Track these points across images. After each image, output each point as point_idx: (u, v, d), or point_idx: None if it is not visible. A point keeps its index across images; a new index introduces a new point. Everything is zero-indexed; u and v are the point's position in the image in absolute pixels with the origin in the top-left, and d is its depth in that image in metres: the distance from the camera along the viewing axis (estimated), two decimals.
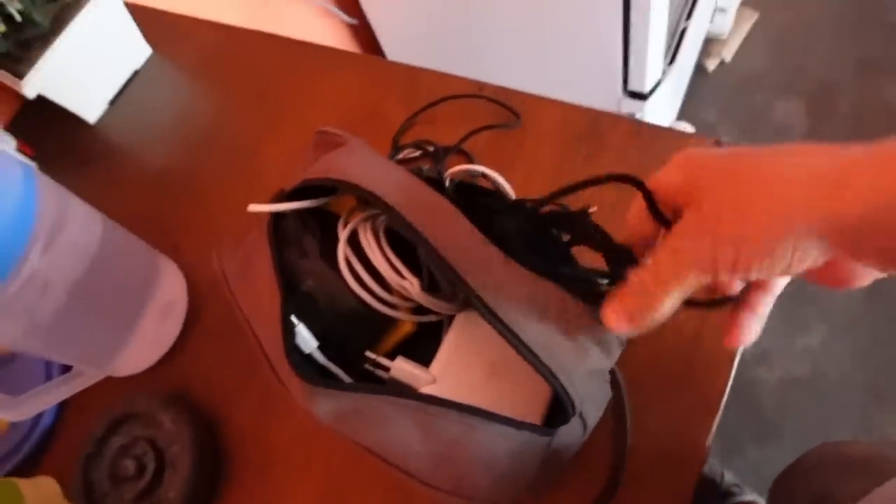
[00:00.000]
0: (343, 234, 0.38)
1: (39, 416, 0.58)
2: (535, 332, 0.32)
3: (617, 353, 0.34)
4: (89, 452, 0.52)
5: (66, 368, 0.58)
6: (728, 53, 1.59)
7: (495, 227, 0.35)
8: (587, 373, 0.33)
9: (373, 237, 0.38)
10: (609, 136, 0.56)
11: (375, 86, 0.65)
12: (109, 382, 0.57)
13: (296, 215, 0.40)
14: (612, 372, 0.38)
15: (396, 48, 1.33)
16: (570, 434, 0.38)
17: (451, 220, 0.34)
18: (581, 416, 0.36)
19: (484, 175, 0.54)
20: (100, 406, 0.56)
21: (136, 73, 0.75)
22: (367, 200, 0.34)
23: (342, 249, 0.38)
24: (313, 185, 0.38)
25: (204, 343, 0.58)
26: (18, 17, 0.65)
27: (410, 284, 0.37)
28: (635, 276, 0.30)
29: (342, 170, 0.36)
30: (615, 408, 0.41)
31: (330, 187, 0.37)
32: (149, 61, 0.76)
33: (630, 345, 0.45)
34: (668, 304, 0.30)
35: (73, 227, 0.48)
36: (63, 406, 0.59)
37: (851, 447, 0.62)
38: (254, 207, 0.40)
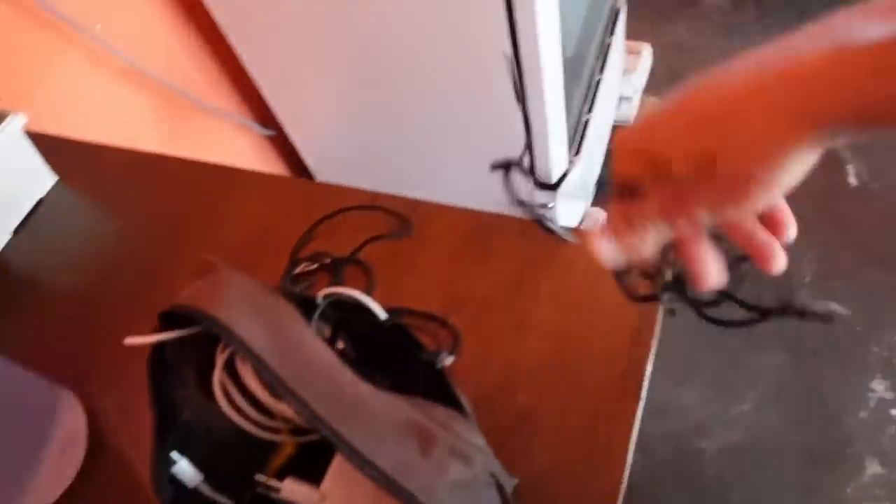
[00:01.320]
0: (219, 361, 0.39)
1: None
2: (391, 458, 0.33)
3: (479, 460, 0.35)
4: None
5: None
6: None
7: (359, 344, 0.36)
8: (450, 486, 0.34)
9: (245, 362, 0.38)
10: (496, 238, 0.59)
11: (278, 203, 0.67)
12: None
13: (174, 343, 0.41)
14: (495, 477, 0.39)
15: (316, 154, 1.37)
16: None
17: (309, 351, 0.35)
18: None
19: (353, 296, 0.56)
20: None
21: (40, 202, 0.76)
22: (223, 333, 0.35)
23: (217, 376, 0.39)
24: (185, 314, 0.38)
25: (108, 474, 0.56)
26: None
27: (287, 406, 0.38)
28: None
29: (207, 302, 0.37)
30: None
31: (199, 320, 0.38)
32: (53, 189, 0.77)
33: (527, 444, 0.46)
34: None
35: None
36: None
37: None
38: (130, 340, 0.40)
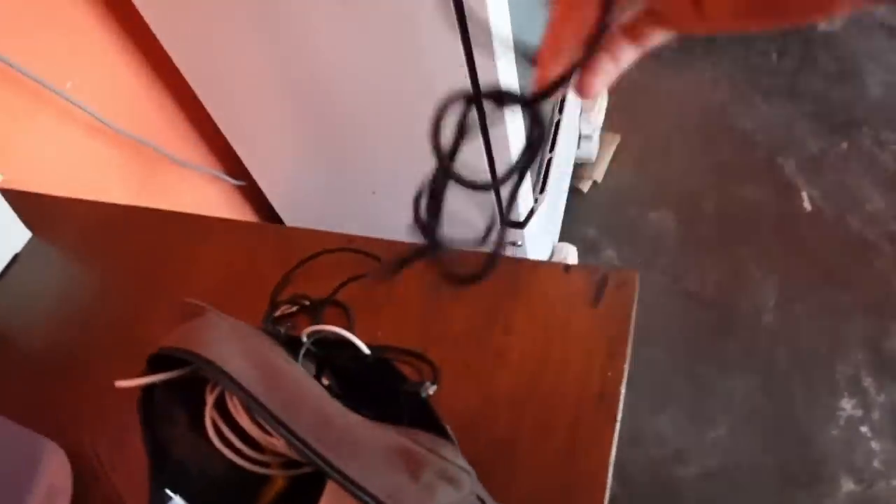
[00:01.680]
0: (210, 399, 0.40)
1: None
2: (381, 483, 0.34)
3: (466, 482, 0.37)
4: None
5: None
6: (599, 175, 1.73)
7: (343, 380, 0.38)
8: None
9: (238, 401, 0.40)
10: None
11: (252, 248, 0.69)
12: None
13: (163, 385, 0.42)
14: (481, 499, 0.41)
15: (285, 203, 1.38)
16: None
17: (297, 386, 0.37)
18: None
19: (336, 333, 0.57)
20: None
21: (15, 257, 0.76)
22: (213, 372, 0.36)
23: (209, 414, 0.40)
24: (174, 355, 0.40)
25: None
26: None
27: (277, 440, 0.39)
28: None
29: (195, 342, 0.38)
30: None
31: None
32: (28, 244, 0.77)
33: (507, 472, 0.48)
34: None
35: None
36: None
37: None
38: (121, 383, 0.41)
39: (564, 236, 1.61)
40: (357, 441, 0.36)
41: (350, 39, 0.98)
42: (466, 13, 0.84)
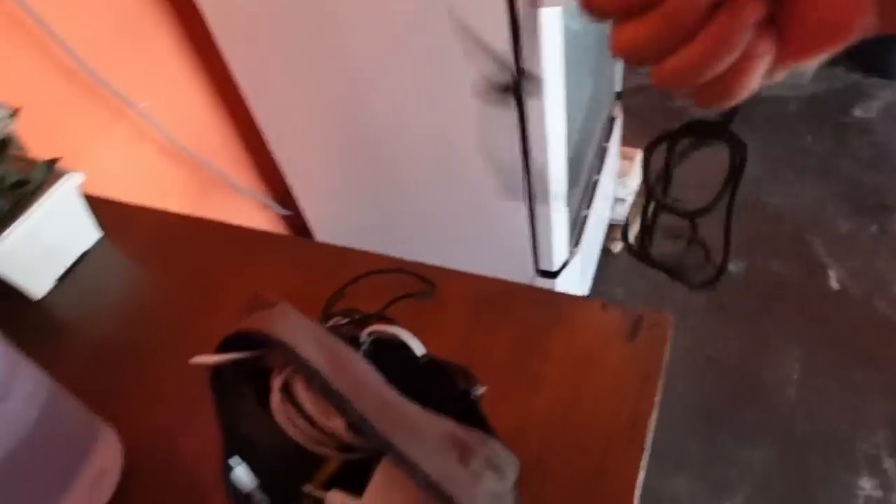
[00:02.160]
0: (277, 382, 0.44)
1: None
2: (435, 464, 0.37)
3: (511, 475, 0.40)
4: None
5: None
6: (630, 237, 1.77)
7: (394, 380, 0.42)
8: (485, 496, 0.38)
9: (303, 384, 0.43)
10: (514, 303, 0.65)
11: (306, 265, 0.73)
12: None
13: (232, 366, 0.46)
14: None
15: (328, 238, 1.44)
16: None
17: (361, 372, 0.41)
18: None
19: (394, 333, 0.61)
20: None
21: (85, 254, 0.82)
22: (285, 353, 0.40)
23: (276, 395, 0.43)
24: (248, 338, 0.44)
25: None
26: None
27: (337, 425, 0.42)
28: None
29: (270, 326, 0.42)
30: None
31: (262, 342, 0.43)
32: (98, 243, 0.83)
33: (538, 489, 0.51)
34: None
35: (18, 394, 0.51)
36: None
37: None
38: (196, 360, 0.45)
39: (593, 294, 1.64)
40: (414, 425, 0.39)
41: (407, 89, 1.05)
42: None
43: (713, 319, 1.62)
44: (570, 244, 1.29)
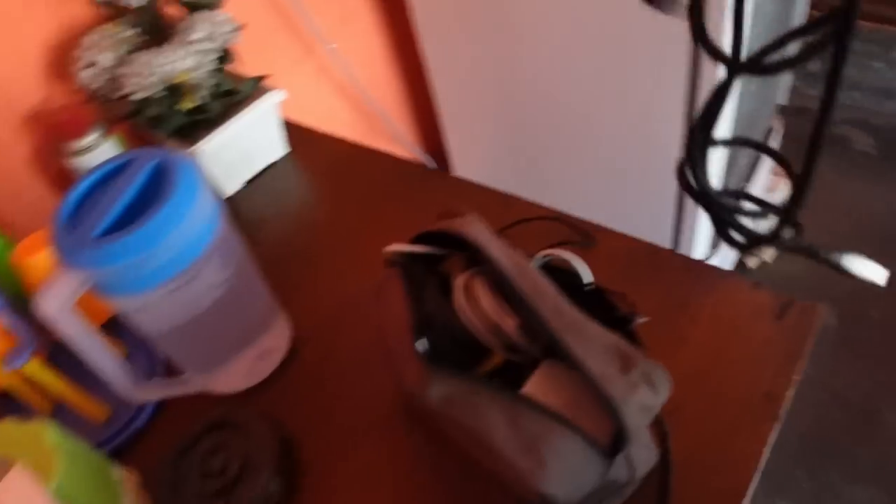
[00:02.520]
0: (460, 280, 0.49)
1: (137, 413, 0.67)
2: (598, 366, 0.41)
3: (664, 392, 0.43)
4: (183, 446, 0.60)
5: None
6: (769, 255, 1.72)
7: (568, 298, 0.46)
8: (637, 406, 0.42)
9: (482, 283, 0.48)
10: (667, 267, 0.67)
11: (469, 203, 0.78)
12: (199, 401, 0.66)
13: (421, 261, 0.52)
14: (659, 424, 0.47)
15: None
16: (619, 473, 0.46)
17: (539, 280, 0.45)
18: (629, 459, 0.45)
19: (567, 259, 0.64)
20: (188, 418, 0.64)
21: (272, 165, 0.91)
22: (476, 255, 0.46)
23: (459, 292, 0.49)
24: (438, 237, 0.49)
25: (294, 382, 0.67)
26: (198, 103, 0.82)
27: (509, 325, 0.47)
28: None
29: (464, 228, 0.48)
30: (661, 461, 0.48)
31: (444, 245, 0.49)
32: (284, 158, 0.92)
33: (673, 434, 0.54)
34: None
35: (232, 255, 0.60)
36: (157, 410, 0.68)
37: None
38: (392, 247, 0.51)
39: None
40: (582, 331, 0.43)
41: (579, 63, 1.08)
42: None
43: (844, 354, 1.56)
44: (711, 244, 1.28)
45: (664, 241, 1.21)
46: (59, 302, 0.51)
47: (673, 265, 0.67)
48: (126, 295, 0.53)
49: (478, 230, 0.49)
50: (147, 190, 0.54)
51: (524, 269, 0.47)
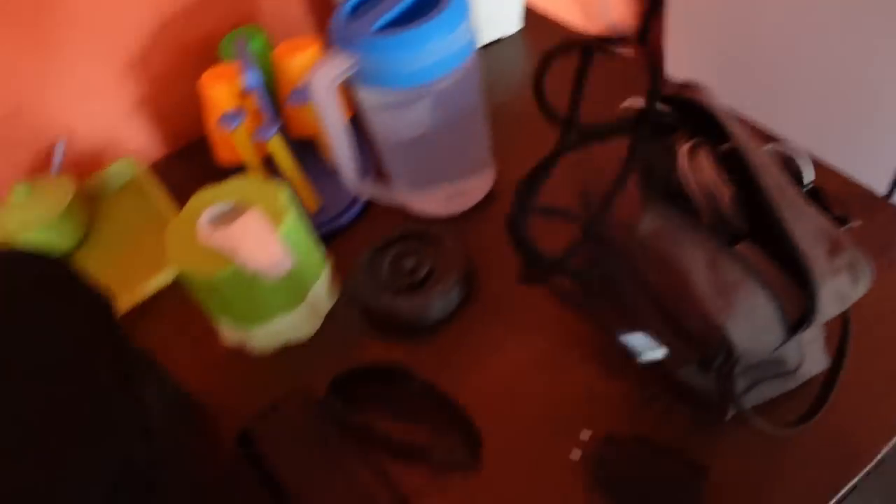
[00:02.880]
0: (686, 147, 0.51)
1: (344, 210, 0.76)
2: (807, 242, 0.43)
3: (863, 286, 0.44)
4: (381, 244, 0.68)
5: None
6: None
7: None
8: (834, 291, 0.43)
9: (706, 153, 0.51)
10: (874, 209, 0.66)
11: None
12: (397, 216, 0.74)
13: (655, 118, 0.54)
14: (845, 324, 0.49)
15: None
16: (790, 354, 0.48)
17: (765, 158, 0.47)
18: (802, 348, 0.46)
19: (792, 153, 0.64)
20: (384, 229, 0.71)
21: (501, 39, 0.96)
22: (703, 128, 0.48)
23: (683, 156, 0.51)
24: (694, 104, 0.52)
25: (482, 224, 0.73)
26: None
27: (723, 193, 0.49)
28: None
29: (704, 97, 0.50)
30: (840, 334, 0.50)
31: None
32: (515, 34, 0.96)
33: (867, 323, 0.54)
34: None
35: (472, 88, 0.65)
36: (359, 214, 0.77)
37: None
38: (626, 103, 0.54)
39: None
40: (800, 209, 0.45)
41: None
42: None
43: None
44: None
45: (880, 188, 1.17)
46: (328, 78, 0.60)
47: (884, 210, 0.66)
48: (382, 87, 0.61)
49: (714, 101, 0.51)
50: (422, 4, 0.61)
51: (753, 145, 0.48)
